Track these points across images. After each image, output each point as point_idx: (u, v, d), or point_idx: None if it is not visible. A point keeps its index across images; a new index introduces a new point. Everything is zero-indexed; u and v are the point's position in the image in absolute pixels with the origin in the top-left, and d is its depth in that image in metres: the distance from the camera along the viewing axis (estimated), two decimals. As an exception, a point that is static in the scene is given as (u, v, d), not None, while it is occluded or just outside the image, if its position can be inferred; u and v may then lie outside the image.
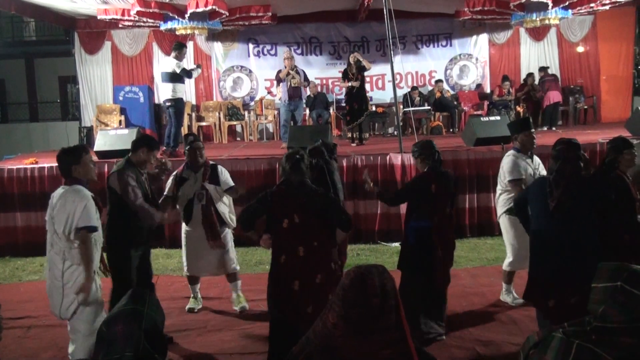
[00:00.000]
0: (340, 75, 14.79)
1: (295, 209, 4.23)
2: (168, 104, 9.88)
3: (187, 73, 10.11)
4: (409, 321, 4.83)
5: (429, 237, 4.98)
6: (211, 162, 6.14)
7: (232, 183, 6.08)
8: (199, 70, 10.62)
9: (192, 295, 6.18)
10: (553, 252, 4.32)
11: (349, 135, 11.58)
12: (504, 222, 5.92)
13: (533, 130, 5.85)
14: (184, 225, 6.07)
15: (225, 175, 6.07)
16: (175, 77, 9.74)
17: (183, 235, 6.11)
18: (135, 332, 2.30)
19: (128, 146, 8.51)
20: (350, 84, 11.18)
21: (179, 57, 9.89)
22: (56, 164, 4.56)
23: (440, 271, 5.05)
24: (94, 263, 4.31)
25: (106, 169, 8.54)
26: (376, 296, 2.08)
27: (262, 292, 6.41)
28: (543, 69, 14.17)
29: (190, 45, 14.69)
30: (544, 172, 5.71)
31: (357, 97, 11.23)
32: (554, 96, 13.58)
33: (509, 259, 5.87)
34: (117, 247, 4.93)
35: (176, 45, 10.11)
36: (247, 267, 7.72)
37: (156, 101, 14.66)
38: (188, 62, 12.95)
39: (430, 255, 4.98)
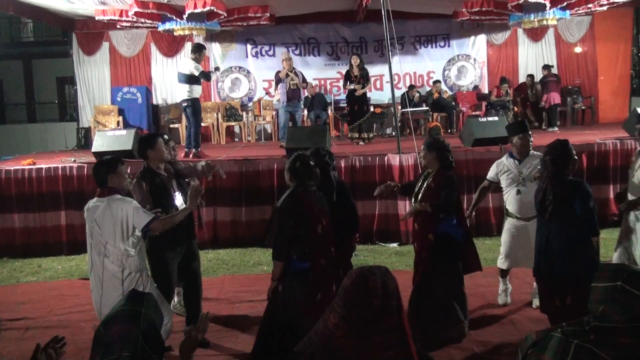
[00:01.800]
0: (339, 75, 14.86)
1: (323, 214, 4.34)
2: (185, 104, 9.87)
3: (206, 76, 10.15)
4: (444, 318, 4.90)
5: (461, 231, 5.17)
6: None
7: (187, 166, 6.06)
8: (218, 73, 10.62)
9: (179, 299, 6.01)
10: (543, 253, 4.49)
11: (351, 135, 11.60)
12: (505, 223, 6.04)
13: (530, 132, 5.83)
14: None
15: (181, 166, 5.73)
16: (192, 79, 9.75)
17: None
18: (133, 333, 2.30)
19: (126, 147, 8.68)
20: (352, 86, 11.20)
21: (198, 59, 9.90)
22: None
23: (474, 260, 5.32)
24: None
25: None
26: (377, 297, 2.08)
27: (260, 293, 6.46)
28: (546, 67, 14.17)
29: (188, 46, 14.67)
30: None
31: (358, 98, 11.26)
32: (554, 97, 13.59)
33: (500, 255, 6.08)
34: (152, 250, 4.88)
35: (195, 47, 10.12)
36: (246, 268, 7.72)
37: (154, 102, 14.67)
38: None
39: (461, 250, 5.19)
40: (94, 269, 4.37)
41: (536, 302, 5.75)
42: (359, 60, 11.31)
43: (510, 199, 5.78)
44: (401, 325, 2.10)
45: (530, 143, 5.75)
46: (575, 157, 4.48)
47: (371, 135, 11.91)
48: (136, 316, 2.35)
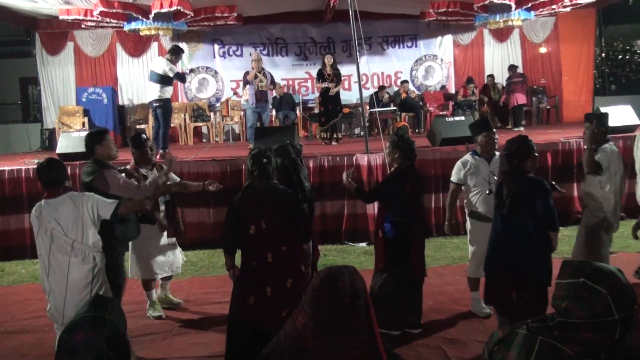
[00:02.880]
0: (307, 76, 14.87)
1: (261, 214, 4.19)
2: (156, 104, 9.74)
3: (181, 77, 10.09)
4: (388, 315, 4.95)
5: (407, 231, 5.12)
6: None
7: (177, 178, 6.16)
8: (192, 75, 10.49)
9: (150, 303, 5.96)
10: (499, 248, 4.50)
11: (323, 135, 11.60)
12: (470, 227, 5.72)
13: (494, 130, 5.73)
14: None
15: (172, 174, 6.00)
16: (165, 79, 9.63)
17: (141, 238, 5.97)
18: (97, 341, 2.25)
19: (92, 148, 8.52)
20: (325, 85, 11.20)
21: (174, 61, 9.77)
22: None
23: (418, 264, 5.20)
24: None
25: (69, 172, 8.38)
26: (346, 296, 2.08)
27: (228, 294, 6.38)
28: (512, 68, 14.36)
29: (154, 46, 14.56)
30: None
31: (332, 98, 11.26)
32: (519, 98, 13.77)
33: (469, 263, 5.75)
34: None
35: (173, 49, 9.96)
36: (214, 270, 7.66)
37: (120, 102, 14.49)
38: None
39: (408, 249, 5.13)
40: (55, 271, 4.23)
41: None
42: (332, 60, 11.31)
43: (481, 200, 5.50)
44: (369, 324, 2.10)
45: (496, 141, 5.64)
46: (535, 155, 4.45)
47: (340, 135, 11.93)
48: (100, 322, 2.30)
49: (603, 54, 18.54)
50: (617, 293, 1.97)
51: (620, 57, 26.50)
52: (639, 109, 10.50)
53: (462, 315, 5.64)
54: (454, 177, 5.68)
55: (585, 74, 15.94)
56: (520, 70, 14.97)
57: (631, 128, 9.53)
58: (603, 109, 10.04)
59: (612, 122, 9.48)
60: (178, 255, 6.12)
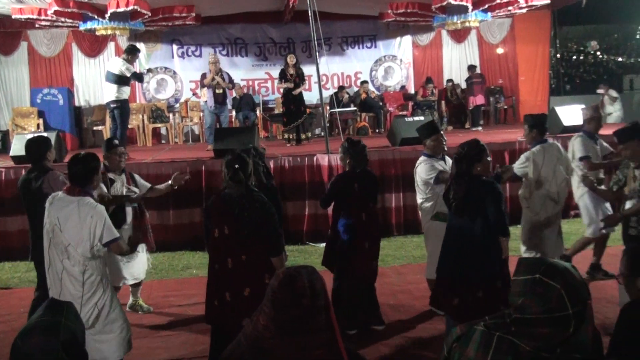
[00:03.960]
0: (267, 76, 14.84)
1: (225, 220, 4.17)
2: (113, 105, 9.58)
3: (139, 77, 9.97)
4: (346, 315, 4.98)
5: (355, 233, 5.17)
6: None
7: (148, 184, 6.13)
8: (150, 75, 10.32)
9: None
10: (450, 249, 4.50)
11: (286, 136, 11.56)
12: (429, 229, 5.71)
13: (441, 132, 5.77)
14: None
15: (139, 179, 6.09)
16: (122, 79, 9.48)
17: None
18: (52, 345, 2.21)
19: (47, 150, 8.35)
20: (285, 85, 11.17)
21: (130, 60, 9.63)
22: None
23: (366, 265, 5.27)
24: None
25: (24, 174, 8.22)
26: (305, 296, 2.08)
27: (189, 297, 6.40)
28: (471, 68, 14.57)
29: (111, 46, 14.34)
30: None
31: (294, 99, 11.24)
32: (478, 99, 13.99)
33: (428, 266, 5.74)
34: None
35: (130, 49, 9.82)
36: (174, 272, 7.59)
37: (76, 104, 14.23)
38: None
39: (356, 250, 5.19)
40: (52, 266, 4.12)
41: None
42: (295, 59, 11.27)
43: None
44: (330, 324, 2.11)
45: (444, 143, 5.67)
46: (487, 159, 4.43)
47: (309, 134, 11.85)
48: (56, 327, 2.26)
49: (558, 55, 18.94)
50: (571, 288, 2.01)
51: (574, 57, 27.10)
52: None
53: (423, 314, 5.70)
54: (433, 173, 5.48)
55: (541, 74, 16.25)
56: (478, 70, 15.21)
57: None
58: (558, 109, 10.28)
59: (567, 121, 9.81)
60: (145, 261, 6.06)
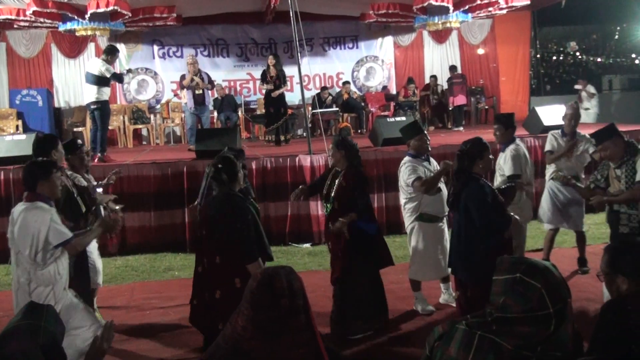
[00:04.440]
0: (248, 77, 14.80)
1: (205, 222, 4.19)
2: (93, 106, 9.48)
3: (119, 78, 9.90)
4: (366, 312, 4.96)
5: (374, 225, 5.32)
6: None
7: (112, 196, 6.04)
8: (130, 75, 10.23)
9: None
10: (452, 245, 4.65)
11: (267, 137, 11.53)
12: (412, 229, 5.70)
13: (425, 133, 5.77)
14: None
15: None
16: (102, 80, 9.39)
17: None
18: (32, 349, 2.18)
19: (26, 152, 8.27)
20: (265, 86, 11.15)
21: (110, 61, 9.54)
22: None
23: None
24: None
25: (2, 177, 8.15)
26: (284, 297, 2.07)
27: (171, 299, 6.36)
28: (452, 69, 14.64)
29: (91, 46, 14.23)
30: None
31: (274, 100, 11.20)
32: (459, 99, 14.06)
33: (411, 266, 5.77)
34: None
35: (108, 49, 9.72)
36: (156, 274, 7.53)
37: (56, 105, 14.09)
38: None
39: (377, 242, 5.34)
40: (14, 271, 4.10)
41: (443, 297, 5.92)
42: (274, 60, 11.22)
43: (430, 200, 5.52)
44: (309, 323, 2.11)
45: (428, 142, 5.70)
46: (489, 157, 4.53)
47: (289, 136, 11.81)
48: (35, 330, 2.23)
49: (538, 55, 19.09)
50: (551, 287, 2.03)
51: (554, 58, 27.34)
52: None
53: (406, 313, 5.71)
54: (413, 175, 5.45)
55: (521, 74, 16.38)
56: (459, 71, 15.29)
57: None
58: (538, 109, 10.36)
59: (547, 121, 9.89)
60: (98, 269, 5.85)
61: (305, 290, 2.20)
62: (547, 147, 6.75)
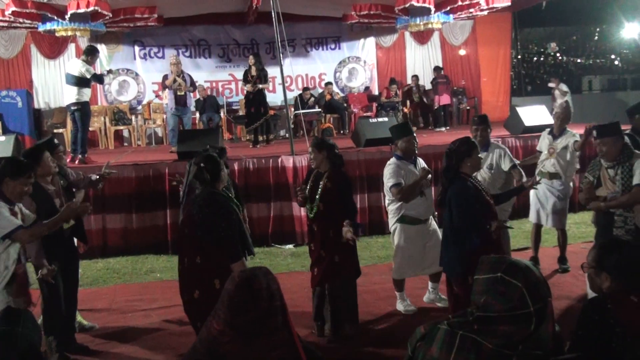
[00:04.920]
0: (230, 78, 14.76)
1: (186, 220, 4.17)
2: (74, 107, 9.39)
3: (99, 78, 9.83)
4: (345, 315, 4.95)
5: (359, 226, 5.47)
6: None
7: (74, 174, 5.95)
8: (111, 76, 10.14)
9: None
10: (442, 245, 4.69)
11: (248, 138, 11.48)
12: (395, 230, 5.68)
13: (414, 135, 5.74)
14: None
15: (68, 171, 5.81)
16: (82, 81, 9.30)
17: None
18: (9, 355, 2.15)
19: (6, 154, 8.18)
20: (247, 87, 11.11)
21: (90, 61, 9.44)
22: None
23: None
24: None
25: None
26: (262, 298, 2.07)
27: (153, 301, 6.32)
28: (437, 69, 14.72)
29: (71, 47, 14.10)
30: None
31: (255, 100, 11.16)
32: (444, 99, 14.14)
33: (394, 266, 5.77)
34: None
35: (88, 50, 9.60)
36: (138, 277, 7.48)
37: (36, 106, 13.94)
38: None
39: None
40: None
41: (429, 297, 5.94)
42: (254, 60, 11.17)
43: (412, 204, 5.49)
44: (286, 324, 2.10)
45: (416, 145, 5.67)
46: (478, 156, 4.57)
47: (271, 137, 11.76)
48: (13, 336, 2.20)
49: (519, 56, 19.23)
50: (532, 286, 2.04)
51: (535, 59, 27.59)
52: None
53: (388, 313, 5.72)
54: (393, 180, 5.43)
55: (502, 75, 16.49)
56: (437, 72, 15.38)
57: (546, 127, 9.89)
58: (519, 109, 10.43)
59: (528, 121, 9.96)
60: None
61: (282, 291, 2.19)
62: (537, 146, 7.12)
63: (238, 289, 2.08)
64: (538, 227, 6.96)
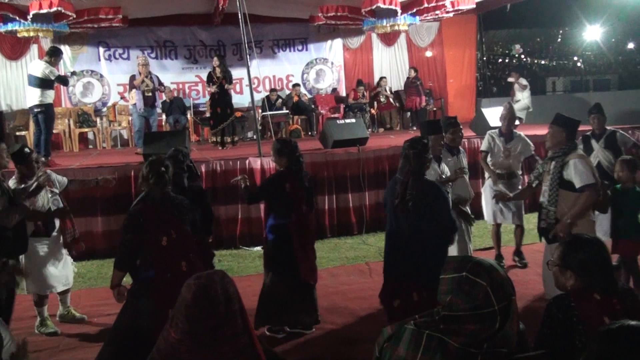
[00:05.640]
0: (197, 79, 14.65)
1: (171, 223, 4.08)
2: (37, 110, 9.22)
3: (64, 80, 9.67)
4: (278, 318, 4.94)
5: (287, 234, 5.09)
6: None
7: (65, 179, 6.06)
8: (75, 78, 9.99)
9: (40, 320, 5.71)
10: (400, 250, 4.45)
11: (213, 139, 11.40)
12: None
13: (442, 134, 5.76)
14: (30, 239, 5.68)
15: (56, 176, 5.93)
16: (45, 83, 9.13)
17: (34, 252, 5.67)
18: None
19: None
20: (211, 89, 11.03)
21: (53, 62, 9.28)
22: None
23: (304, 265, 5.15)
24: None
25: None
26: (220, 304, 2.03)
27: (118, 306, 6.21)
28: (411, 71, 14.87)
29: (34, 48, 13.85)
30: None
31: (220, 101, 11.10)
32: (418, 100, 14.32)
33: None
34: None
35: (51, 51, 9.44)
36: (103, 281, 7.37)
37: (-3, 108, 13.67)
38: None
39: (290, 252, 5.10)
40: None
41: None
42: (218, 62, 11.11)
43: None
44: (246, 327, 2.07)
45: (442, 144, 5.80)
46: (430, 157, 4.60)
47: (236, 138, 11.69)
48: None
49: (484, 58, 19.45)
50: (496, 285, 2.06)
51: (500, 60, 27.93)
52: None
53: (356, 314, 5.74)
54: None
55: (468, 76, 16.67)
56: (407, 73, 15.47)
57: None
58: (485, 110, 10.56)
59: (493, 122, 10.08)
60: (70, 268, 5.96)
61: (250, 293, 2.17)
62: (483, 147, 7.12)
63: (195, 298, 2.03)
64: (498, 226, 7.11)
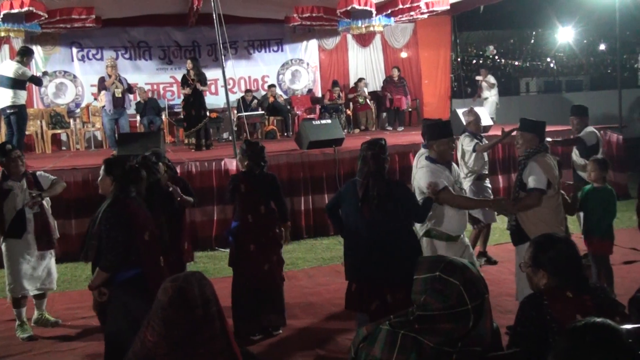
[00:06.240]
0: (172, 80, 14.55)
1: (149, 219, 4.13)
2: (9, 111, 9.09)
3: (37, 80, 9.58)
4: (245, 318, 4.94)
5: (238, 235, 5.23)
6: (29, 171, 5.94)
7: (52, 177, 6.04)
8: (47, 78, 9.87)
9: (19, 323, 5.64)
10: (367, 252, 4.33)
11: (187, 141, 11.32)
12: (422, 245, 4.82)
13: (453, 136, 5.06)
14: (5, 241, 5.63)
15: (45, 178, 5.93)
16: (18, 83, 9.00)
17: (5, 253, 5.63)
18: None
19: None
20: (186, 91, 10.96)
21: (25, 62, 9.16)
22: None
23: (254, 268, 5.19)
24: None
25: None
26: (197, 306, 2.01)
27: (92, 309, 6.16)
28: (394, 70, 14.97)
29: (5, 49, 13.63)
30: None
31: (194, 103, 11.03)
32: (400, 100, 14.43)
33: None
34: None
35: (23, 50, 9.31)
36: (77, 284, 7.32)
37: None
38: None
39: (240, 253, 5.22)
40: None
41: None
42: (192, 64, 11.05)
43: (452, 215, 4.89)
44: (224, 329, 2.06)
45: (454, 148, 5.59)
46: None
47: (209, 142, 11.58)
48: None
49: (459, 59, 19.62)
50: (469, 284, 2.08)
51: (474, 61, 28.17)
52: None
53: (333, 315, 5.74)
54: (440, 183, 4.64)
55: (443, 77, 16.77)
56: (382, 73, 15.56)
57: (486, 128, 10.10)
58: (459, 111, 10.63)
59: (468, 123, 10.14)
60: (52, 270, 5.90)
61: (226, 295, 2.16)
62: (472, 144, 7.06)
63: (172, 301, 2.00)
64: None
